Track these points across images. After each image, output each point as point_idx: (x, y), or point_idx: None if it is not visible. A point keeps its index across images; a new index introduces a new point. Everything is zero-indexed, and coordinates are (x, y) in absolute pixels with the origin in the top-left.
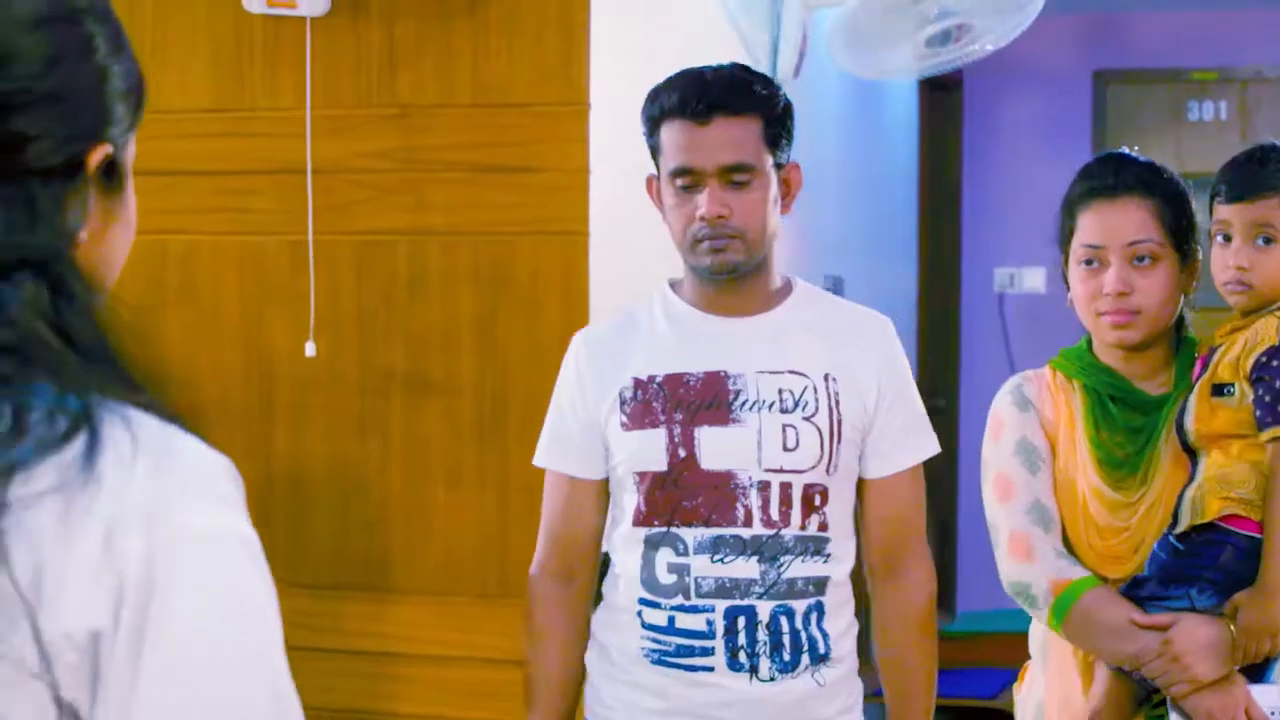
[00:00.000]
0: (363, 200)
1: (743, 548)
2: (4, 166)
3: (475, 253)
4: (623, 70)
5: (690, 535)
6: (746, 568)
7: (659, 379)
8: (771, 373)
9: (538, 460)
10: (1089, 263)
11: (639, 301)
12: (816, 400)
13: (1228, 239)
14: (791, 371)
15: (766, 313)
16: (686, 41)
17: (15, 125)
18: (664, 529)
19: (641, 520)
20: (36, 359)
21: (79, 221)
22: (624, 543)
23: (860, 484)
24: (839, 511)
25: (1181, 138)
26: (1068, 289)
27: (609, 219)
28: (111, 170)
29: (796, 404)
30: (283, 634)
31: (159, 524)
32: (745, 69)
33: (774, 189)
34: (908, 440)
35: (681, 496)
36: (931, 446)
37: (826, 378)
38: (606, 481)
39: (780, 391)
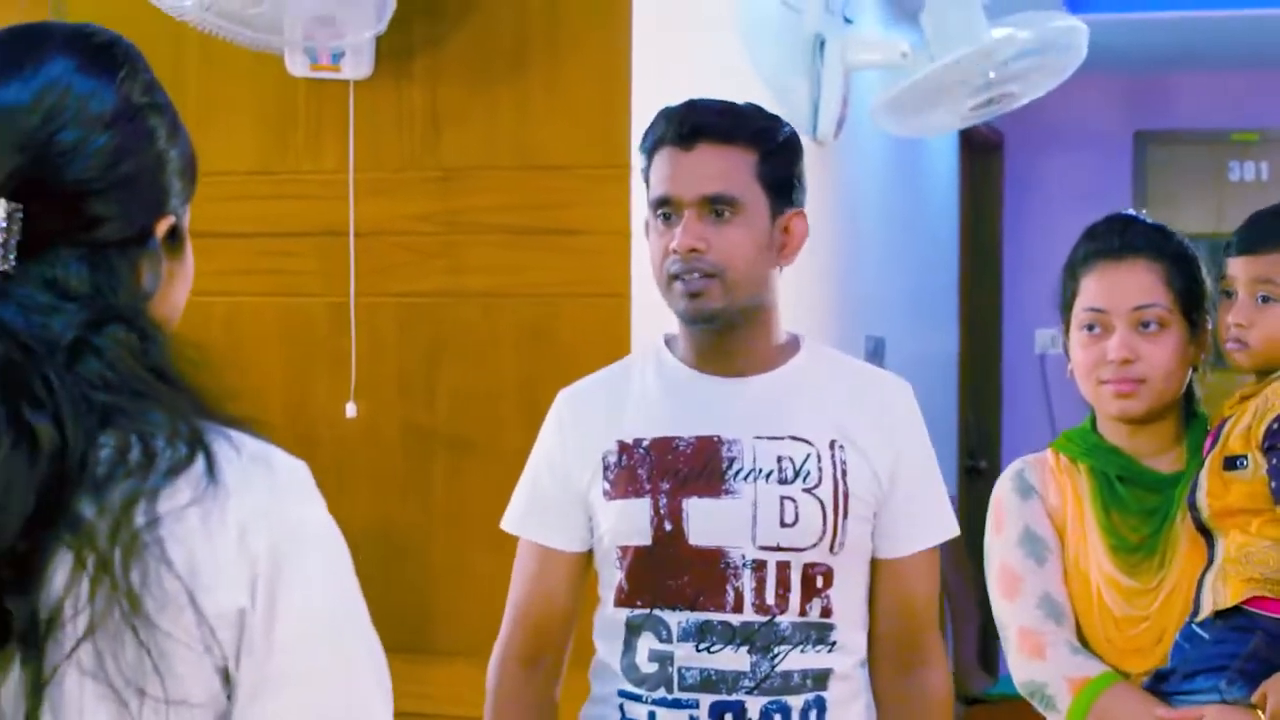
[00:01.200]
0: (405, 262)
1: (731, 635)
2: (87, 241)
3: (517, 315)
4: None
5: (674, 619)
6: (735, 658)
7: (646, 443)
8: (770, 438)
9: (507, 525)
10: (1091, 328)
11: (634, 356)
12: (820, 470)
13: (1231, 295)
14: (793, 438)
15: (768, 372)
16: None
17: (92, 209)
18: (646, 611)
19: (623, 600)
20: (144, 395)
21: (154, 281)
22: (606, 626)
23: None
24: (847, 595)
25: (1223, 198)
26: (1068, 359)
27: (651, 281)
28: (173, 234)
29: (797, 474)
30: None
31: (276, 521)
32: (754, 106)
33: (765, 231)
34: (923, 519)
35: (665, 575)
36: (949, 528)
37: (833, 445)
38: (585, 556)
39: (779, 460)
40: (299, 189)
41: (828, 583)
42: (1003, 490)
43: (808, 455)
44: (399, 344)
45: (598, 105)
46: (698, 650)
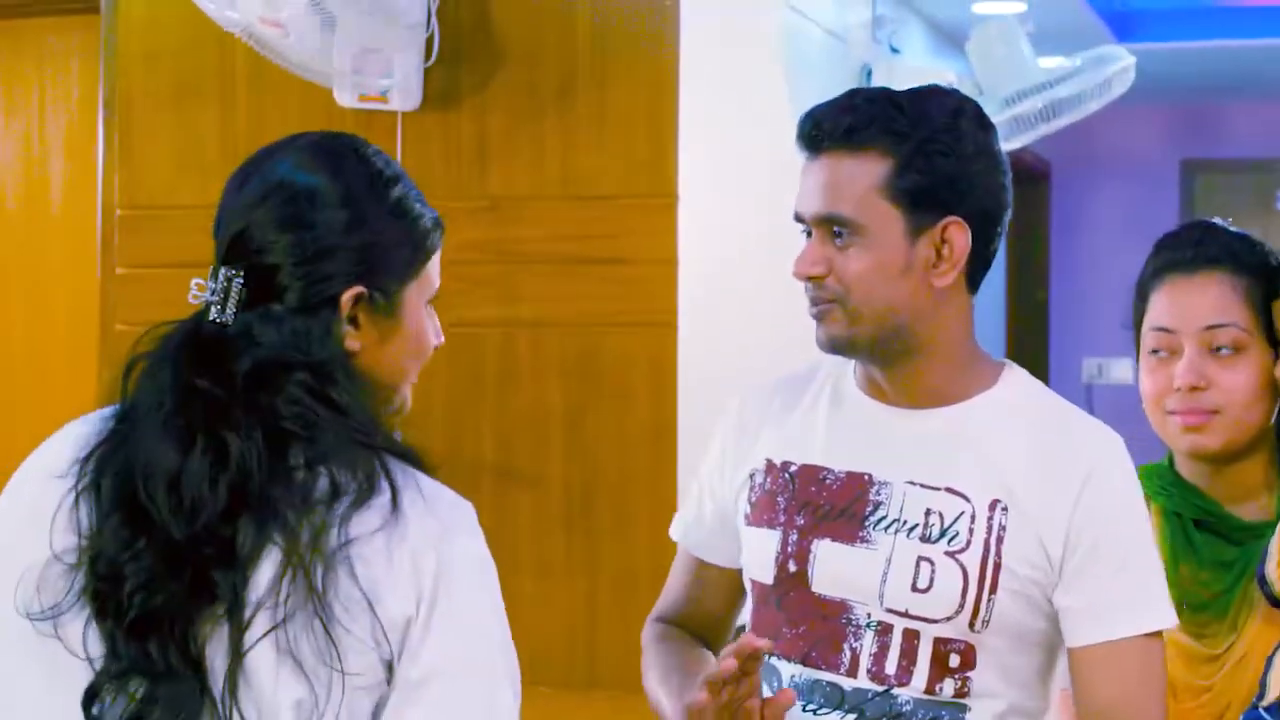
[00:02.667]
0: (453, 292)
1: (840, 700)
2: (280, 305)
3: (564, 343)
4: (711, 162)
5: (786, 671)
6: None
7: (794, 468)
8: (924, 487)
9: (670, 528)
10: (1157, 351)
11: (824, 364)
12: (972, 532)
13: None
14: (949, 490)
15: (944, 407)
16: (774, 134)
17: (280, 282)
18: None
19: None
20: (324, 428)
21: (349, 341)
22: None
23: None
24: (997, 680)
25: (1270, 228)
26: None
27: (698, 310)
28: (374, 303)
29: (943, 533)
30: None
31: (444, 550)
32: (918, 93)
33: (898, 251)
34: (1112, 605)
35: (783, 621)
36: (1151, 619)
37: (994, 505)
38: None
39: (928, 513)
40: None
41: (967, 662)
42: None
43: (961, 514)
44: (447, 373)
45: (644, 135)
46: (804, 710)
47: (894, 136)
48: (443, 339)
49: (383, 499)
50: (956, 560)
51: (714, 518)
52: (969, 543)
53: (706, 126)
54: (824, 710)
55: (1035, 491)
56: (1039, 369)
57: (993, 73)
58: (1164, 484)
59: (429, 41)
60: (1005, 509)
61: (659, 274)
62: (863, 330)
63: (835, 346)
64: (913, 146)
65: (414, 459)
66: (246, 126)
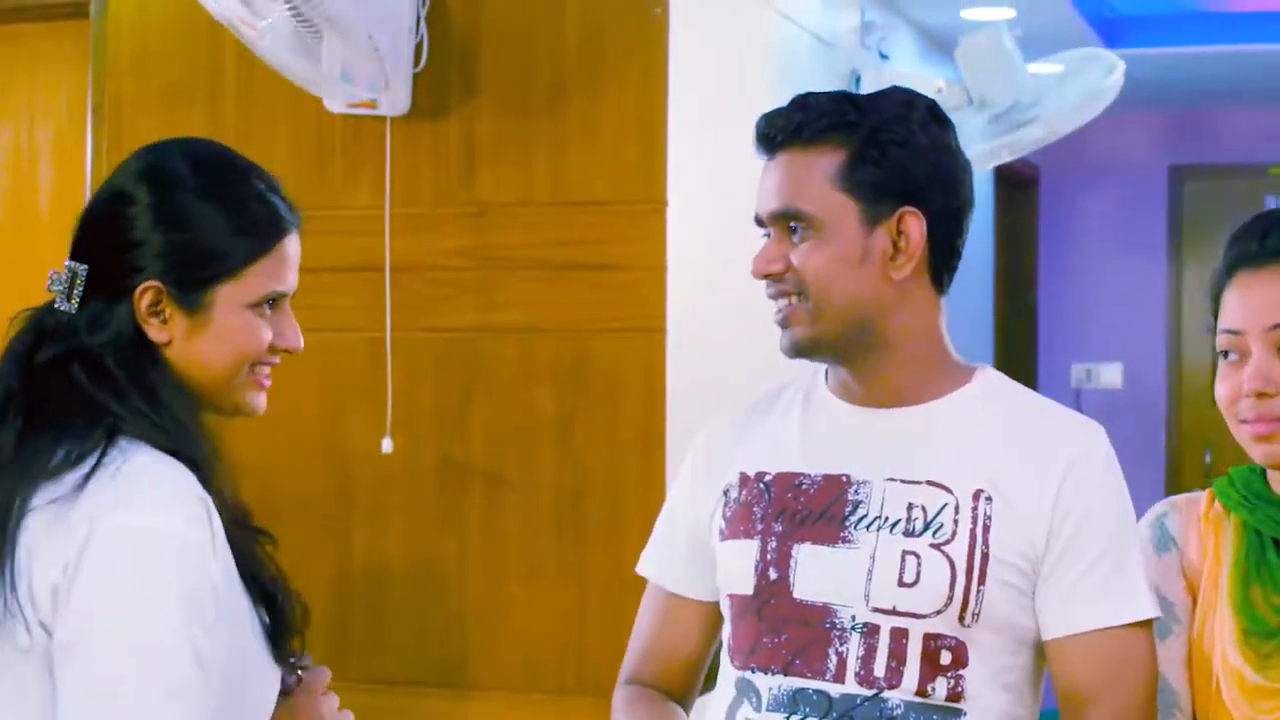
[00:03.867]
0: (441, 298)
1: (827, 708)
2: (93, 296)
3: (553, 350)
4: (700, 169)
5: (765, 685)
6: None
7: (769, 477)
8: (904, 482)
9: (639, 566)
10: (1227, 354)
11: (794, 379)
12: (956, 523)
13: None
14: (930, 483)
15: (919, 404)
16: None
17: (98, 273)
18: (744, 672)
19: (731, 658)
20: (77, 408)
21: (121, 331)
22: (722, 683)
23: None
24: (989, 680)
25: None
26: None
27: (687, 316)
28: (177, 297)
29: (927, 526)
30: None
31: (103, 520)
32: (872, 93)
33: (855, 244)
34: (1091, 594)
35: (763, 632)
36: (1133, 609)
37: (978, 496)
38: (716, 606)
39: (910, 508)
40: (335, 224)
41: (958, 660)
42: (1139, 539)
43: (944, 505)
44: (435, 379)
45: (634, 141)
46: None
47: (846, 128)
48: (300, 342)
49: (79, 472)
50: (943, 552)
51: (687, 548)
52: (954, 534)
53: (696, 133)
54: None
55: (1018, 481)
56: (1028, 373)
57: (982, 79)
58: (1248, 495)
59: (418, 47)
60: (989, 499)
61: (648, 280)
62: (827, 328)
63: (800, 349)
64: (864, 136)
65: (192, 447)
66: (236, 132)
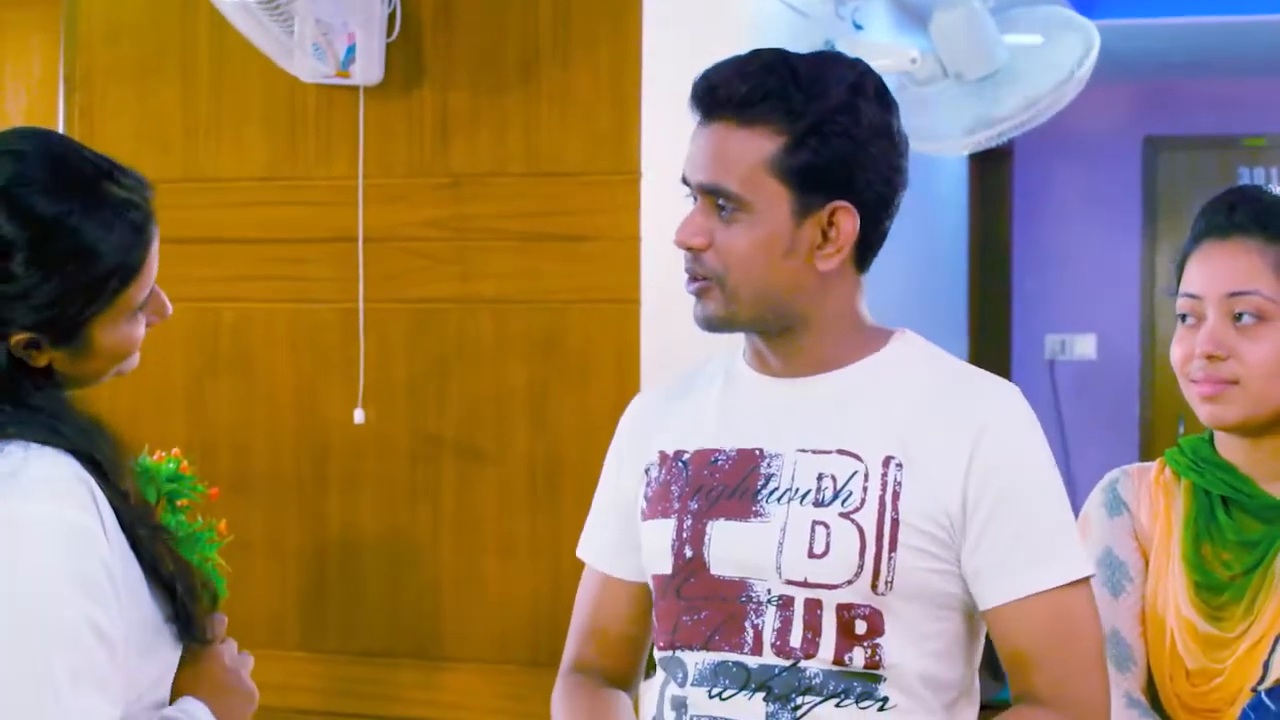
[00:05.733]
0: (414, 269)
1: (746, 680)
2: None
3: (527, 321)
4: (674, 139)
5: (691, 661)
6: (749, 706)
7: (686, 455)
8: (815, 452)
9: (578, 548)
10: (1184, 318)
11: (716, 356)
12: (865, 491)
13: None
14: (841, 451)
15: (832, 372)
16: None
17: None
18: (669, 652)
19: (657, 639)
20: None
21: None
22: (656, 665)
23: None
24: (910, 648)
25: None
26: None
27: (661, 287)
28: (63, 337)
29: (836, 495)
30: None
31: None
32: (819, 62)
33: (783, 233)
34: (1022, 559)
35: (683, 610)
36: (1066, 569)
37: (887, 462)
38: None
39: (820, 477)
40: (309, 195)
41: (874, 629)
42: (1091, 504)
43: (853, 473)
44: (408, 350)
45: (607, 112)
46: (710, 696)
47: (788, 114)
48: (169, 309)
49: None
50: (852, 520)
51: (617, 528)
52: (863, 501)
53: (669, 103)
54: (730, 692)
55: (928, 446)
56: (1002, 345)
57: (956, 51)
58: (1196, 460)
59: (391, 17)
60: (900, 465)
61: (621, 251)
62: (740, 309)
63: (712, 325)
64: (806, 125)
65: (92, 448)
66: (209, 103)
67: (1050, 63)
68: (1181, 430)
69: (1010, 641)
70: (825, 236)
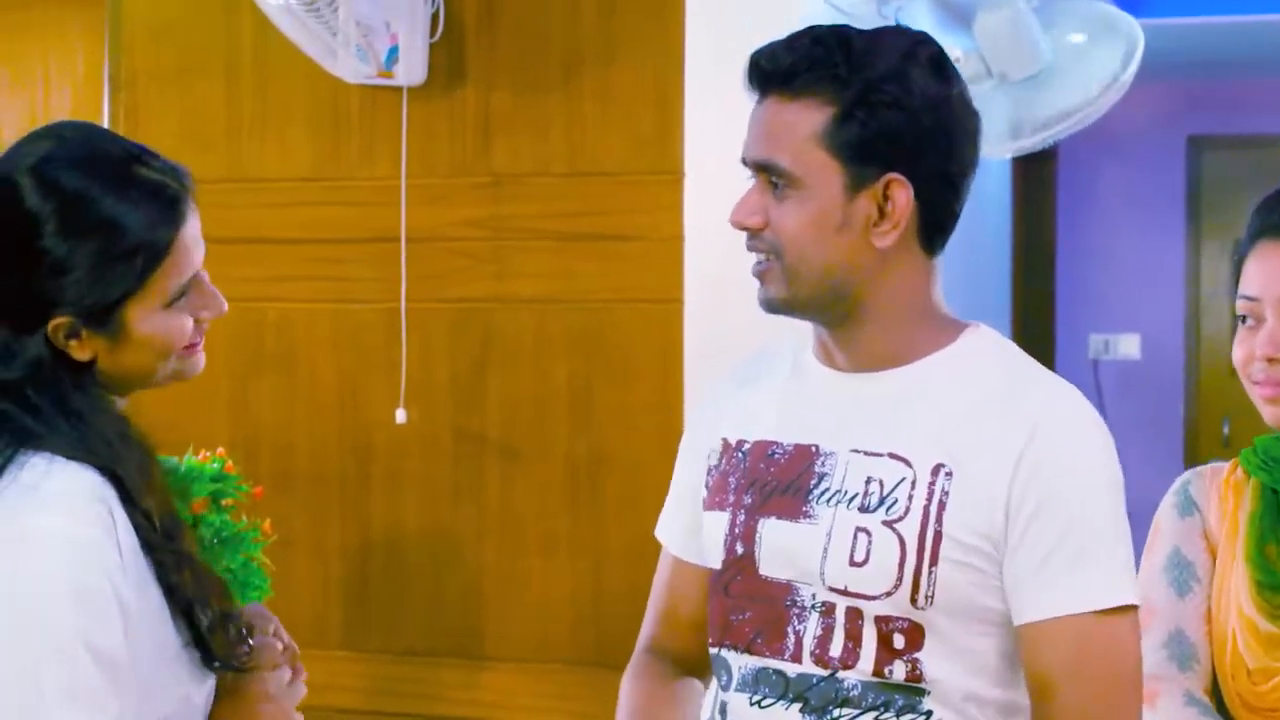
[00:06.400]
0: (456, 268)
1: (785, 689)
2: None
3: (569, 321)
4: (716, 138)
5: (735, 663)
6: (786, 716)
7: (747, 445)
8: (867, 454)
9: (656, 529)
10: (1243, 319)
11: (792, 338)
12: (910, 499)
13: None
14: (892, 455)
15: (893, 369)
16: None
17: None
18: (716, 650)
19: (709, 634)
20: (4, 430)
21: (31, 362)
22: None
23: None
24: (955, 663)
25: None
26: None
27: (703, 287)
28: (98, 322)
29: (881, 501)
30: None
31: None
32: (873, 34)
33: (835, 208)
34: (1064, 577)
35: (730, 608)
36: (1110, 594)
37: (937, 470)
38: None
39: (868, 481)
40: (352, 195)
41: (913, 643)
42: (1163, 505)
43: (901, 480)
44: (450, 349)
45: (650, 111)
46: (750, 704)
47: (835, 83)
48: (223, 306)
49: None
50: (894, 530)
51: (689, 510)
52: (907, 510)
53: (712, 102)
54: (769, 701)
55: (979, 452)
56: (1045, 344)
57: (1000, 51)
58: (1266, 458)
59: (434, 17)
60: (949, 474)
61: (665, 250)
62: (800, 291)
63: (773, 307)
64: (854, 94)
65: (116, 462)
66: (252, 103)
67: (1095, 63)
68: (1227, 430)
69: (1033, 664)
70: (881, 212)
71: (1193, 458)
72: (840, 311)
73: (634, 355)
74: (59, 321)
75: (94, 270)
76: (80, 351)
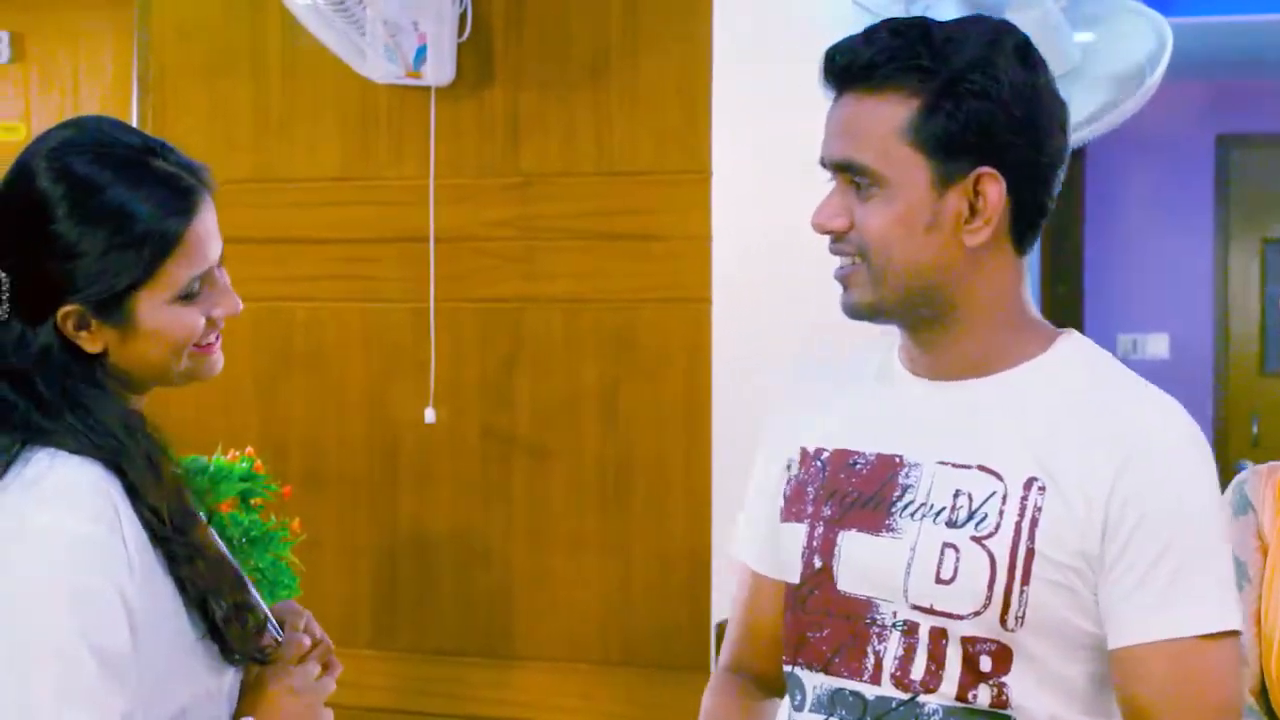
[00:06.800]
0: (485, 268)
1: (862, 711)
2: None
3: (598, 320)
4: (745, 137)
5: (810, 683)
6: None
7: (826, 454)
8: (955, 466)
9: (734, 545)
10: None
11: (878, 342)
12: (1002, 515)
13: None
14: (981, 468)
15: (983, 377)
16: (808, 108)
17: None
18: (790, 668)
19: (784, 651)
20: (11, 423)
21: (42, 350)
22: None
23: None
24: (1042, 687)
25: None
26: None
27: (732, 286)
28: (107, 312)
29: (970, 516)
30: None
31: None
32: (956, 23)
33: (922, 205)
34: (1152, 595)
35: (807, 625)
36: (1201, 618)
37: (1029, 485)
38: None
39: (956, 495)
40: (381, 195)
41: (1001, 666)
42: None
43: (991, 494)
44: (479, 349)
45: (678, 111)
46: None
47: (918, 74)
48: (238, 305)
49: None
50: (984, 546)
51: (766, 522)
52: (998, 526)
53: (739, 101)
54: None
55: (1073, 468)
56: None
57: None
58: None
59: (462, 18)
60: (1042, 488)
61: (693, 250)
62: (888, 294)
63: (859, 313)
64: (939, 86)
65: (122, 457)
66: (280, 102)
67: (1123, 63)
68: (1256, 430)
69: (1127, 691)
70: (973, 208)
71: (1221, 458)
72: (928, 315)
73: (662, 355)
74: (69, 310)
75: (103, 257)
76: (90, 343)
